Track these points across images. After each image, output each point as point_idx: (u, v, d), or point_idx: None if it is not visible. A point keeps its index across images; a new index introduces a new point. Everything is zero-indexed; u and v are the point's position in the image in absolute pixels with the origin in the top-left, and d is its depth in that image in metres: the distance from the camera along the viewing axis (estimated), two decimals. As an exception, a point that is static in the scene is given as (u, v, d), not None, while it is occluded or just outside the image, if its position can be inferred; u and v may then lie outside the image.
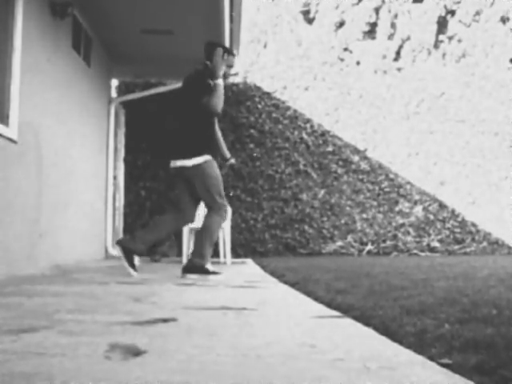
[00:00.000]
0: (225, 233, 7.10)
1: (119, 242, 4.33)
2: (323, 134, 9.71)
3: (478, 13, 14.61)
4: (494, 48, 13.95)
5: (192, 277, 4.23)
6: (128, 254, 4.32)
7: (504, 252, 9.93)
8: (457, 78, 10.20)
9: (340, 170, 9.69)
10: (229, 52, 4.52)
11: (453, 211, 9.88)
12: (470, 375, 1.36)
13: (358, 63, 13.57)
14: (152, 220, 4.52)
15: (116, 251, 4.49)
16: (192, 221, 4.60)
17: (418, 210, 9.78)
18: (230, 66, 4.56)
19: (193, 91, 4.41)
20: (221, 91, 4.38)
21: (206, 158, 4.36)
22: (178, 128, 4.50)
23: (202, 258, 4.25)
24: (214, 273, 4.27)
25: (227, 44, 7.08)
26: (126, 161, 9.03)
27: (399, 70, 10.70)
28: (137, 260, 4.50)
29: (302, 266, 5.92)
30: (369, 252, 9.60)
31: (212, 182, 4.35)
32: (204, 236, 4.30)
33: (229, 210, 7.28)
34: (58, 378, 1.21)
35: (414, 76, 10.22)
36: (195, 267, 4.25)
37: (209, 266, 4.37)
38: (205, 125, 4.44)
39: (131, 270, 4.33)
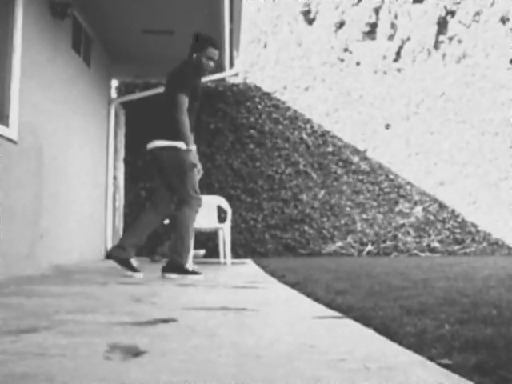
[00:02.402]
0: (225, 233, 7.10)
1: (111, 256, 4.39)
2: (323, 134, 9.71)
3: (477, 13, 14.61)
4: (494, 48, 13.94)
5: (171, 276, 4.24)
6: (124, 262, 4.36)
7: (504, 252, 9.92)
8: (457, 79, 10.19)
9: (340, 171, 9.69)
10: (213, 45, 4.43)
11: (453, 211, 9.88)
12: (469, 375, 1.36)
13: (357, 64, 13.55)
14: (134, 223, 4.52)
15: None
16: (167, 214, 4.57)
17: (418, 210, 9.78)
18: (210, 59, 4.42)
19: (175, 81, 4.44)
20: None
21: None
22: (161, 112, 4.48)
23: (180, 255, 4.24)
24: (193, 272, 4.28)
25: (227, 44, 7.08)
26: (125, 161, 9.03)
27: (399, 70, 10.69)
28: (134, 261, 4.50)
29: (301, 267, 5.92)
30: (369, 252, 9.60)
31: (187, 172, 4.26)
32: (179, 233, 4.27)
33: (229, 210, 7.33)
34: (58, 379, 1.21)
35: (414, 76, 10.22)
36: (174, 267, 4.25)
37: (189, 266, 4.36)
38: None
39: (135, 274, 4.35)
